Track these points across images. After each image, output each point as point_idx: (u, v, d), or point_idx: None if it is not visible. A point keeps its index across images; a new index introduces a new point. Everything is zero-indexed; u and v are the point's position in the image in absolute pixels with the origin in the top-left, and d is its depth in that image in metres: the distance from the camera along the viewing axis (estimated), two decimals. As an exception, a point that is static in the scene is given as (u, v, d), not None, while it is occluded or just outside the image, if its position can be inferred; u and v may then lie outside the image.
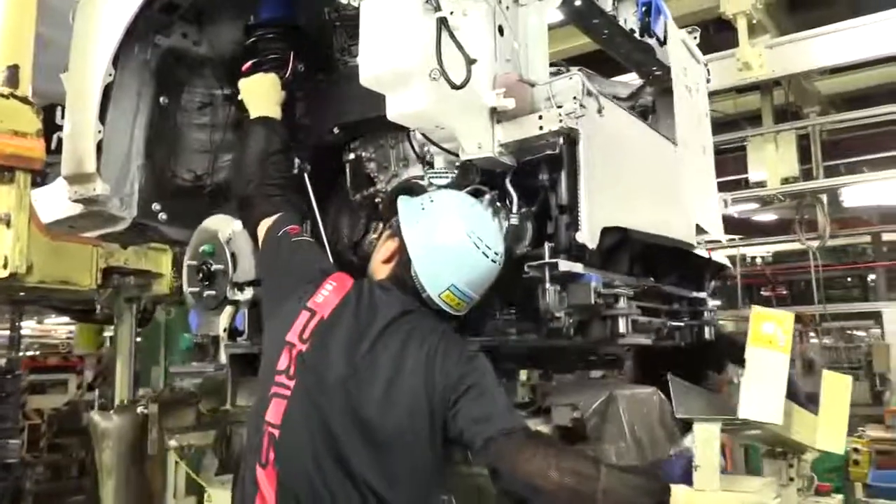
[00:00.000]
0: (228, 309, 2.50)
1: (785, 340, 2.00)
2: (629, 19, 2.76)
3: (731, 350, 3.52)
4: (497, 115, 2.27)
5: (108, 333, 9.53)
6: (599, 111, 2.29)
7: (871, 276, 11.13)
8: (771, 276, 11.43)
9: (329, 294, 2.02)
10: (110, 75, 2.71)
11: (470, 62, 2.12)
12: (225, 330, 2.50)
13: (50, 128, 3.15)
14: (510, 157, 2.32)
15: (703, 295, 3.07)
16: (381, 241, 2.21)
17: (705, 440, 1.98)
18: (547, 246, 2.21)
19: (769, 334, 1.99)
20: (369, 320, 1.95)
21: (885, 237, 10.12)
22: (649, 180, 2.72)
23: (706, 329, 3.01)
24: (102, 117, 2.75)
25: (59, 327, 17.20)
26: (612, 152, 2.44)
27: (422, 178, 2.49)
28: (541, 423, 2.46)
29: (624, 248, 2.46)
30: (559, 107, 2.19)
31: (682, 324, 2.87)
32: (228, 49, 2.96)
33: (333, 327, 1.94)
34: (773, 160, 7.53)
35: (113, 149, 2.82)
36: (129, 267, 2.77)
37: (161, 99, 2.93)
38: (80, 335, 8.97)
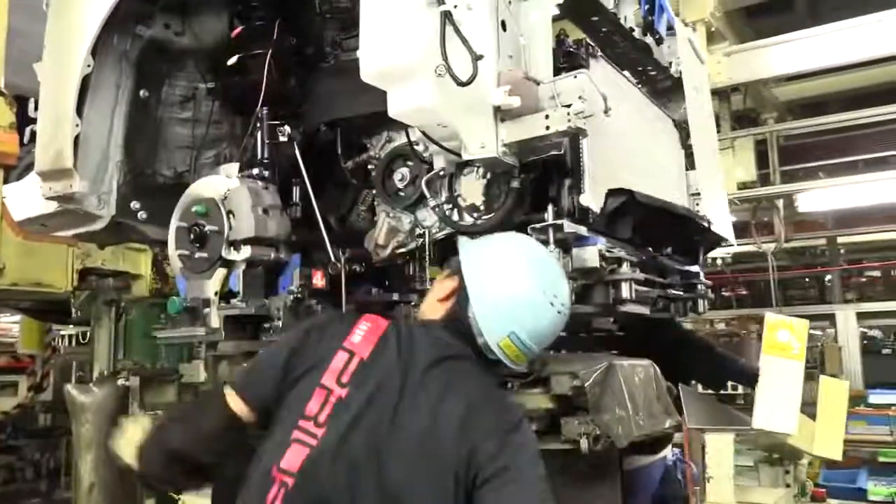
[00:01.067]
0: (220, 271, 2.39)
1: (799, 348, 1.96)
2: (629, 17, 2.70)
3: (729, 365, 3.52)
4: (501, 114, 2.18)
5: (69, 331, 9.28)
6: (606, 111, 2.22)
7: (829, 278, 11.33)
8: (731, 277, 11.56)
9: (366, 333, 1.79)
10: (89, 66, 2.58)
11: (476, 58, 2.04)
12: (216, 293, 2.38)
13: (21, 121, 3.01)
14: (513, 157, 2.24)
15: (696, 269, 3.02)
16: (438, 280, 2.02)
17: (718, 451, 1.93)
18: (550, 209, 2.16)
19: (783, 342, 1.95)
20: (410, 363, 1.73)
21: (840, 240, 10.28)
22: (652, 151, 2.67)
23: (700, 302, 2.94)
24: (80, 111, 2.62)
25: (13, 325, 16.67)
26: (616, 117, 2.37)
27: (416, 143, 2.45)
28: (539, 392, 2.40)
29: (627, 213, 2.40)
30: (567, 106, 2.11)
31: (680, 294, 2.80)
32: (213, 41, 2.83)
33: (374, 370, 1.72)
34: (730, 165, 7.61)
35: (90, 144, 2.69)
36: (107, 268, 2.63)
37: (141, 92, 2.80)
38: (24, 334, 7.96)
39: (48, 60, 2.68)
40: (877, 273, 11.81)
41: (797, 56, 6.63)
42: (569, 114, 2.10)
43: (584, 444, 2.29)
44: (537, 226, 2.16)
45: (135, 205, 2.82)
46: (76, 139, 2.60)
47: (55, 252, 3.17)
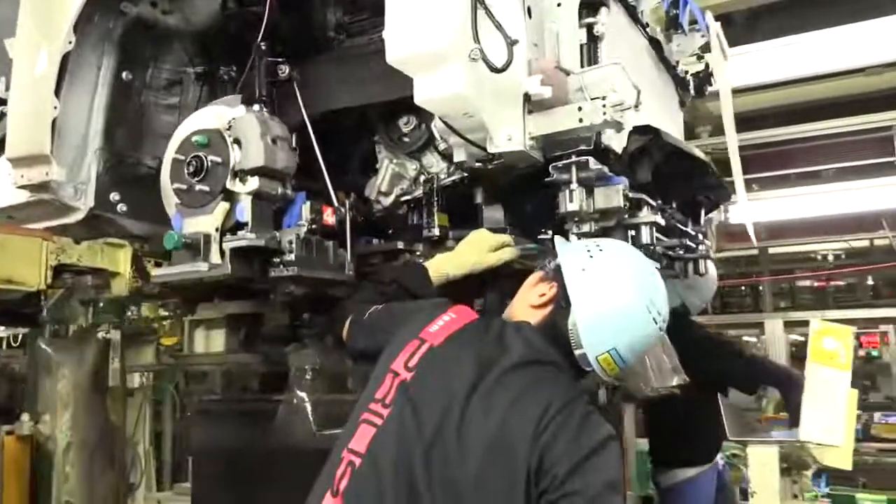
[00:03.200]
0: (222, 205, 2.20)
1: (846, 357, 1.87)
2: (646, 12, 2.60)
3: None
4: (530, 105, 2.06)
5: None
6: (637, 106, 2.11)
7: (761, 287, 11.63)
8: (671, 286, 11.78)
9: (446, 323, 1.76)
10: (70, 43, 2.36)
11: (511, 43, 1.91)
12: (217, 229, 2.18)
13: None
14: (539, 151, 2.12)
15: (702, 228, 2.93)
16: (530, 281, 1.89)
17: (762, 465, 1.83)
18: None
19: (830, 350, 1.86)
20: (494, 357, 1.66)
21: (772, 251, 10.53)
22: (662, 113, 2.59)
23: (701, 263, 2.85)
24: (56, 93, 2.40)
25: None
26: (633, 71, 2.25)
27: None
28: None
29: (648, 155, 2.30)
30: (602, 98, 2.00)
31: (681, 254, 2.71)
32: (203, 22, 2.62)
33: (446, 358, 1.68)
34: (666, 178, 7.67)
35: (68, 129, 2.47)
36: (83, 265, 2.40)
37: (124, 74, 2.58)
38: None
39: (24, 35, 2.44)
40: (808, 283, 12.15)
41: (733, 72, 6.68)
42: (604, 105, 1.99)
43: (602, 394, 2.23)
44: (559, 164, 2.05)
45: (114, 196, 2.61)
46: (53, 123, 2.38)
47: (27, 246, 2.91)
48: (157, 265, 2.65)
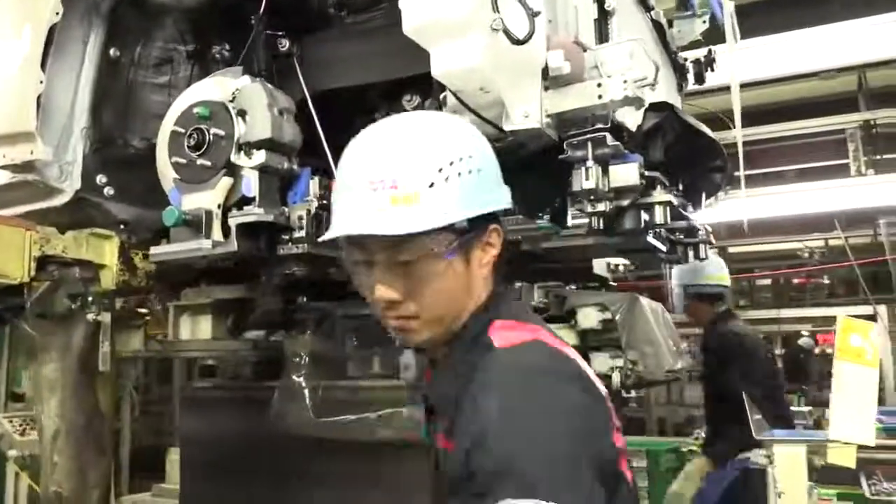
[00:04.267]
0: (225, 181, 2.10)
1: (872, 353, 1.84)
2: (653, -2, 2.58)
3: None
4: (545, 82, 2.01)
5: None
6: (653, 85, 2.08)
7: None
8: (633, 284, 11.90)
9: None
10: (58, 14, 2.24)
11: (533, 14, 1.86)
12: (219, 205, 2.08)
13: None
14: (554, 130, 2.07)
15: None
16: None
17: (790, 464, 1.79)
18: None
19: (857, 347, 1.83)
20: None
21: (731, 250, 10.71)
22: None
23: (702, 248, 2.83)
24: (43, 67, 2.28)
25: None
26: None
27: None
28: (563, 327, 2.25)
29: (660, 134, 2.27)
30: (624, 72, 1.96)
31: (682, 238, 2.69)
32: (195, -2, 2.53)
33: None
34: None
35: (53, 106, 2.35)
36: (69, 256, 2.26)
37: (112, 51, 2.47)
38: None
39: (6, 4, 2.31)
40: (767, 281, 12.40)
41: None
42: (625, 81, 1.95)
43: (616, 378, 2.19)
44: (574, 141, 2.00)
45: (101, 179, 2.49)
46: (39, 99, 2.25)
47: (10, 236, 2.72)
48: (145, 257, 2.53)
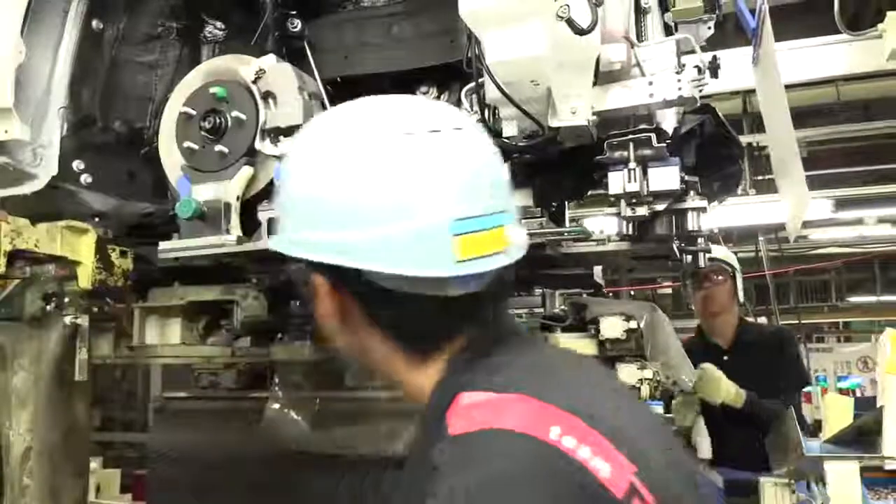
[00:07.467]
0: (246, 170, 1.89)
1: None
2: (666, -7, 2.51)
3: None
4: (595, 77, 1.91)
5: None
6: (703, 86, 1.99)
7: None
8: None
9: None
10: (39, -21, 1.98)
11: (597, 4, 1.75)
12: (238, 197, 1.86)
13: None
14: (595, 129, 1.97)
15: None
16: None
17: (843, 481, 1.73)
18: None
19: (906, 361, 1.80)
20: None
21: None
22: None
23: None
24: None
25: None
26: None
27: None
28: (585, 337, 2.16)
29: (694, 137, 2.16)
30: (678, 72, 1.87)
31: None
32: (188, -30, 2.31)
33: None
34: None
35: (29, 81, 2.08)
36: (41, 252, 1.98)
37: (94, 22, 2.22)
38: None
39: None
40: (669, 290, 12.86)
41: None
42: (679, 80, 1.86)
43: (644, 390, 2.10)
44: (615, 141, 1.91)
45: (78, 164, 2.23)
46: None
47: None
48: (123, 254, 2.28)
